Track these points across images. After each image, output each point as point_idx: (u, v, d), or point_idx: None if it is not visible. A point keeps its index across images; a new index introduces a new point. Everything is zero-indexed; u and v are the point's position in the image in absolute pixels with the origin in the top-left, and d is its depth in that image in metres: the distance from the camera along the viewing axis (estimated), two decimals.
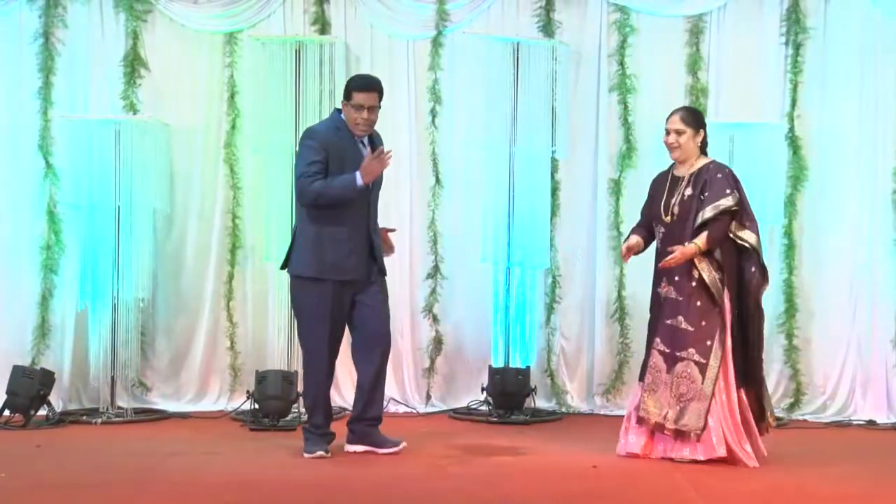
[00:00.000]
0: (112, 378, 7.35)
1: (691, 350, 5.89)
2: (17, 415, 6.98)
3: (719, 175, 5.99)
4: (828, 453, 6.46)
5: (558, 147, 7.63)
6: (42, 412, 7.06)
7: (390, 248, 6.22)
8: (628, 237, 6.29)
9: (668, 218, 6.01)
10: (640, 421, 6.00)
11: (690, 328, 5.89)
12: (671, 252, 5.92)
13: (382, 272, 6.08)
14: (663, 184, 6.14)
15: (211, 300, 7.75)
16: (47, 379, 7.10)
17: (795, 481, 5.59)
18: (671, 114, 6.13)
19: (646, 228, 6.23)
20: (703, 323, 5.89)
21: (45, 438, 6.56)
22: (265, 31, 7.68)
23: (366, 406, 6.07)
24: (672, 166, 6.18)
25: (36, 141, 7.54)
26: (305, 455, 5.95)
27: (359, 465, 5.84)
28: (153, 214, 7.53)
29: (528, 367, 7.51)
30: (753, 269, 5.97)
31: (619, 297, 7.70)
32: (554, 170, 7.75)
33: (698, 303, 5.91)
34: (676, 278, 5.94)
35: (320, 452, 5.94)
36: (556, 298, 7.81)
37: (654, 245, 6.21)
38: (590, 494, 5.29)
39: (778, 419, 7.37)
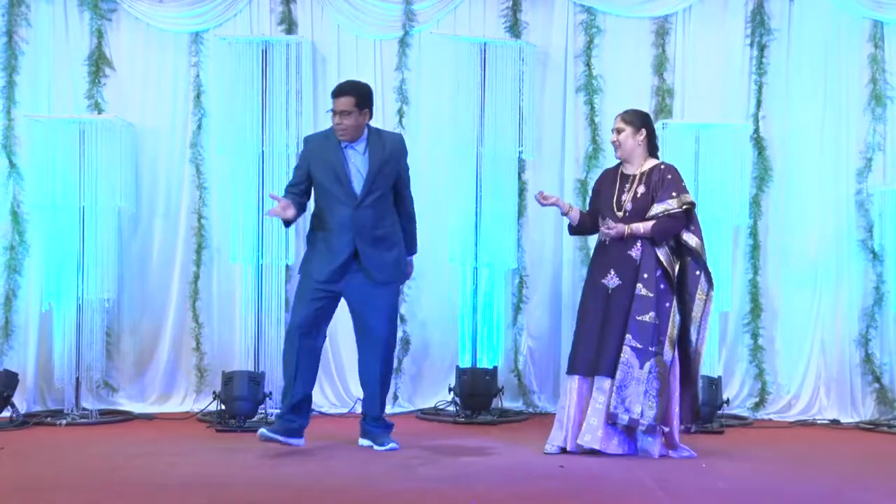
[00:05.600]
0: (77, 379, 7.30)
1: (657, 347, 6.00)
2: None
3: (669, 176, 6.16)
4: (793, 452, 6.51)
5: (525, 147, 7.65)
6: (6, 414, 7.00)
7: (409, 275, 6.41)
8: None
9: (621, 213, 6.13)
10: (611, 417, 6.00)
11: (658, 325, 6.01)
12: (620, 244, 6.08)
13: (377, 280, 6.03)
14: (612, 180, 6.26)
15: (177, 301, 7.72)
16: (11, 380, 7.04)
17: (761, 480, 5.62)
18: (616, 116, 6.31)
19: (589, 216, 6.38)
20: (666, 321, 6.03)
21: (9, 440, 6.49)
22: (231, 31, 7.66)
23: (363, 402, 6.31)
24: (620, 164, 6.30)
25: None
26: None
27: (327, 465, 5.82)
28: (118, 214, 7.49)
29: (495, 368, 7.52)
30: (699, 272, 6.14)
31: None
32: (521, 170, 7.77)
33: (667, 304, 6.06)
34: (645, 276, 6.03)
35: (262, 430, 6.05)
36: (522, 298, 7.83)
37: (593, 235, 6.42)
38: (557, 494, 5.30)
39: (742, 419, 7.49)
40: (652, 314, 6.00)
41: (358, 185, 5.99)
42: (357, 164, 6.00)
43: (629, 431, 6.05)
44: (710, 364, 7.32)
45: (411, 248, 6.30)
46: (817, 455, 6.49)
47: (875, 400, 7.66)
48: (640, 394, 5.97)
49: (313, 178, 6.06)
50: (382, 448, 6.15)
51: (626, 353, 5.99)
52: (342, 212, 5.97)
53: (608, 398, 6.00)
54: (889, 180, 7.68)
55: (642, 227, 6.06)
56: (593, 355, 6.08)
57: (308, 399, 6.17)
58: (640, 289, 6.02)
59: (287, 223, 6.11)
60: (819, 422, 7.56)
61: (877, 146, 7.72)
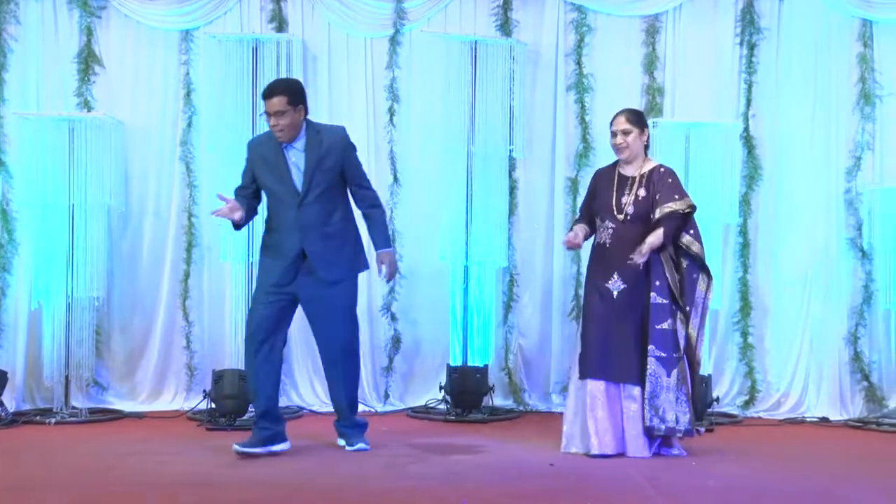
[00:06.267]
0: (66, 377, 7.28)
1: (679, 352, 5.99)
2: None
3: (670, 179, 6.11)
4: (783, 450, 6.52)
5: (516, 146, 7.65)
6: None
7: (388, 274, 6.12)
8: (573, 229, 6.32)
9: (622, 216, 6.08)
10: (648, 431, 5.96)
11: (675, 330, 5.99)
12: (621, 247, 6.00)
13: (326, 280, 5.91)
14: (610, 181, 6.19)
15: (167, 299, 7.71)
16: (0, 379, 7.02)
17: (752, 478, 5.64)
18: (615, 116, 6.23)
19: (587, 222, 6.30)
20: (680, 326, 6.02)
21: None
22: (221, 29, 7.64)
23: (333, 405, 6.31)
24: (616, 164, 6.25)
25: None
26: None
27: (318, 464, 5.82)
28: (108, 212, 7.47)
29: (486, 366, 7.52)
30: (695, 275, 6.08)
31: (577, 296, 7.72)
32: (511, 168, 7.78)
33: (674, 307, 6.02)
34: (657, 283, 5.99)
35: (235, 446, 5.91)
36: (513, 297, 7.84)
37: (592, 239, 6.30)
38: (548, 492, 5.31)
39: (731, 416, 7.51)
40: (670, 321, 5.97)
41: (299, 182, 5.88)
42: (297, 161, 5.88)
43: (665, 439, 6.05)
44: None
45: (385, 241, 6.09)
46: (807, 453, 6.51)
47: (864, 398, 7.67)
48: (672, 401, 5.96)
49: (259, 181, 5.98)
50: (351, 448, 6.13)
51: (652, 364, 5.95)
52: (288, 212, 5.89)
53: (641, 409, 5.97)
54: (878, 179, 7.70)
55: (656, 238, 5.94)
56: (611, 361, 6.02)
57: (275, 406, 6.07)
58: (655, 297, 5.98)
59: (236, 226, 6.05)
60: (808, 420, 7.57)
61: (866, 145, 7.73)
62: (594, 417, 6.01)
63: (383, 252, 6.06)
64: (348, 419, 6.21)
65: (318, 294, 5.94)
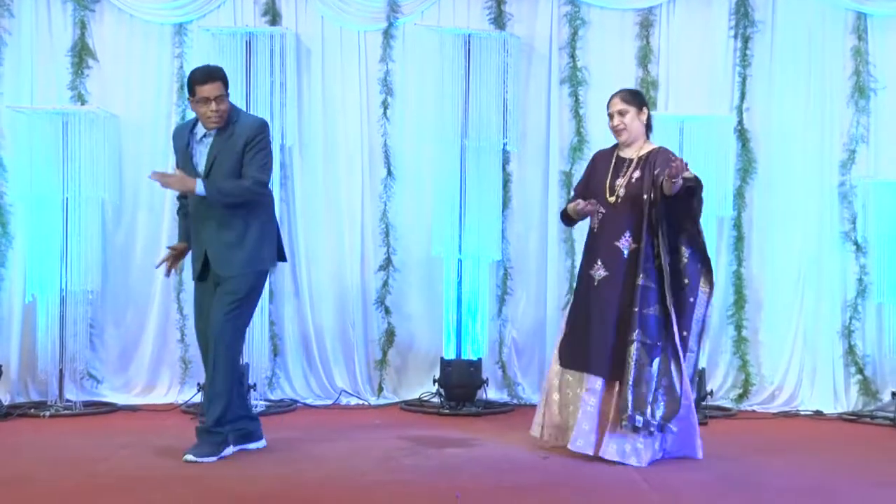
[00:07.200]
0: (60, 370, 7.28)
1: (663, 342, 5.73)
2: None
3: (671, 155, 5.80)
4: (776, 444, 6.53)
5: (510, 139, 7.64)
6: None
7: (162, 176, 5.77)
8: (574, 203, 5.93)
9: (613, 198, 5.85)
10: (630, 420, 5.60)
11: (662, 318, 5.74)
12: (607, 233, 5.81)
13: (219, 273, 5.71)
14: (606, 163, 5.96)
15: (161, 292, 7.70)
16: None
17: (745, 472, 5.64)
18: (611, 98, 6.00)
19: (583, 199, 5.96)
20: (667, 314, 5.77)
21: None
22: (215, 22, 7.63)
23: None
24: (616, 147, 6.01)
25: None
26: None
27: (312, 457, 5.83)
28: (102, 206, 7.48)
29: (479, 359, 7.53)
30: (699, 265, 5.81)
31: (571, 289, 7.72)
32: (505, 162, 7.77)
33: (661, 292, 5.76)
34: (647, 265, 5.73)
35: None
36: (507, 290, 7.84)
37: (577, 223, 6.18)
38: (542, 485, 5.31)
39: (725, 410, 7.51)
40: (656, 306, 5.71)
41: (202, 164, 5.72)
42: (207, 145, 5.71)
43: (636, 432, 5.65)
44: None
45: (207, 185, 5.61)
46: (801, 446, 6.51)
47: (858, 391, 7.67)
48: (652, 390, 5.67)
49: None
50: (183, 457, 5.63)
51: (637, 351, 5.66)
52: (194, 200, 5.71)
53: (623, 400, 5.63)
54: (872, 172, 7.70)
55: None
56: (588, 352, 5.78)
57: (242, 407, 5.96)
58: (643, 279, 5.70)
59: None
60: (802, 413, 7.58)
61: (860, 138, 7.73)
62: (564, 407, 5.93)
63: (195, 179, 5.64)
64: (201, 429, 5.75)
65: (220, 286, 5.75)
